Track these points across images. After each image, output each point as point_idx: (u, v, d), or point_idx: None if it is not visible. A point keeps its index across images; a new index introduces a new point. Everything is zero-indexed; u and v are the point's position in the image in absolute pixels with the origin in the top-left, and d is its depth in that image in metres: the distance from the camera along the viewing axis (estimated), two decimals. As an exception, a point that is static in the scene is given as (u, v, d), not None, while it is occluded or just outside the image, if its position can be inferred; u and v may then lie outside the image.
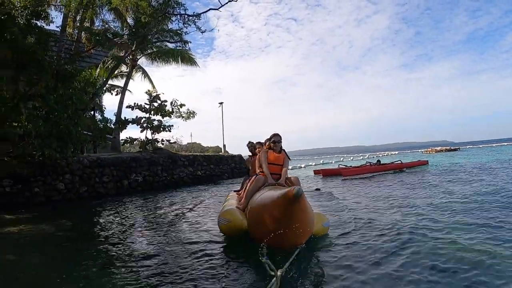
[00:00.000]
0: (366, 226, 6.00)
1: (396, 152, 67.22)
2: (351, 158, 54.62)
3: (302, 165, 38.53)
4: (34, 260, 5.22)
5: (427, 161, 23.88)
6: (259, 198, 4.63)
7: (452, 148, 61.41)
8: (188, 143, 32.48)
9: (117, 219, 8.51)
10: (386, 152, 73.85)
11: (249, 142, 8.60)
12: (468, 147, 74.72)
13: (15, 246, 6.19)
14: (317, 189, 12.97)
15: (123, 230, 6.97)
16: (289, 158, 6.02)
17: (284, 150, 6.00)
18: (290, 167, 35.17)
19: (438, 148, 60.84)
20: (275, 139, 5.92)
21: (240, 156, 24.82)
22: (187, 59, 23.23)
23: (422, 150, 69.53)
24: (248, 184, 6.01)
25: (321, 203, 8.84)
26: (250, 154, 8.70)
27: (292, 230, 3.73)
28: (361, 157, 52.12)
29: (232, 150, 28.50)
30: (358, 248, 4.71)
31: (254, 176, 5.98)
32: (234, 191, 8.20)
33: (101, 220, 8.70)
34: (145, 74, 25.29)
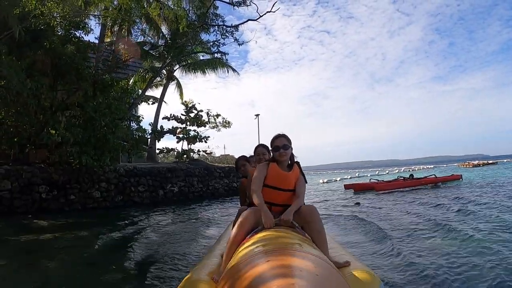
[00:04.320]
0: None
1: (432, 166, 64.79)
2: (387, 171, 53.16)
3: (338, 178, 37.38)
4: (64, 265, 5.23)
5: (461, 175, 22.45)
6: (236, 274, 1.88)
7: (490, 162, 58.41)
8: (221, 155, 32.34)
9: (143, 231, 8.17)
10: (422, 166, 71.50)
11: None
12: (505, 160, 71.25)
13: (49, 252, 6.10)
14: (357, 204, 12.36)
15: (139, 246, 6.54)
16: (306, 181, 3.24)
17: (297, 163, 3.24)
18: (325, 180, 33.64)
19: (476, 162, 58.60)
20: (278, 144, 3.11)
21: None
22: (226, 67, 23.14)
23: (458, 163, 66.62)
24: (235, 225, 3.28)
25: (360, 245, 5.86)
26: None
27: None
28: (397, 170, 50.57)
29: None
30: None
31: (247, 210, 3.12)
32: None
33: (131, 230, 8.44)
34: (178, 85, 25.34)
